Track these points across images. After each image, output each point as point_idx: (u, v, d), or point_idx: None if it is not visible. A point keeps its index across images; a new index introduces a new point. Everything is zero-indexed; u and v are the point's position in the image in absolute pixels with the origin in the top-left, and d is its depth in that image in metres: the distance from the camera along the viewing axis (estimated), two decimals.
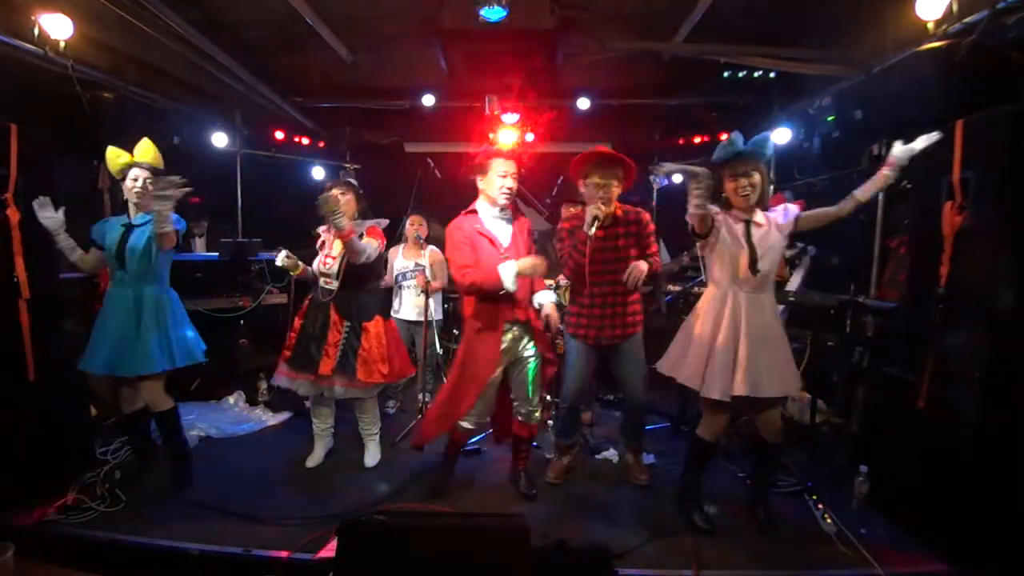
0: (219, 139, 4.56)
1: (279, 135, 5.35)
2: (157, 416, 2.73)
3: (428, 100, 4.84)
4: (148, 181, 2.61)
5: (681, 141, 5.61)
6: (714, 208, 2.33)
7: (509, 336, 2.55)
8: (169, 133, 4.11)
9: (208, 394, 3.87)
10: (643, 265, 2.58)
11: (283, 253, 2.83)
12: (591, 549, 2.07)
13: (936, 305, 2.29)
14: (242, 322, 4.01)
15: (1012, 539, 2.05)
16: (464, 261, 2.45)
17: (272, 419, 3.71)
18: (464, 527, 1.75)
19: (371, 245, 2.77)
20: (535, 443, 3.25)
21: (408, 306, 3.86)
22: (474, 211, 2.55)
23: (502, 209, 2.53)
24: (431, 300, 3.75)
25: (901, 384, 2.49)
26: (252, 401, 3.88)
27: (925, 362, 2.33)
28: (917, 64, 2.70)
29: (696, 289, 3.89)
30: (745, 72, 4.06)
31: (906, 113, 2.79)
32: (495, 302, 2.49)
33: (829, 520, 2.42)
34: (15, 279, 2.47)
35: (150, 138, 2.68)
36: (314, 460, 3.02)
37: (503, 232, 2.54)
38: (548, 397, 3.60)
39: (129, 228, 2.62)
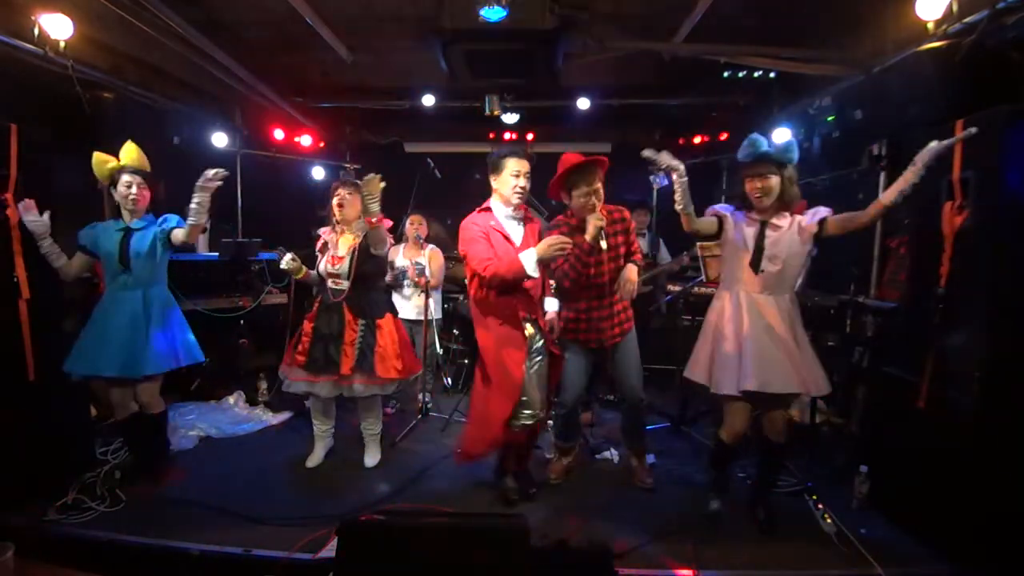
0: (219, 139, 4.56)
1: (279, 135, 5.35)
2: (149, 417, 2.75)
3: (428, 100, 4.84)
4: (141, 186, 2.62)
5: (681, 141, 5.61)
6: (725, 209, 2.41)
7: (527, 332, 2.55)
8: (169, 133, 4.10)
9: (208, 394, 3.87)
10: (632, 273, 2.60)
11: (288, 256, 2.81)
12: (591, 549, 2.07)
13: (936, 305, 2.29)
14: (242, 322, 4.01)
15: (1012, 539, 2.05)
16: (484, 254, 2.42)
17: (272, 419, 3.71)
18: (464, 527, 1.75)
19: (389, 237, 2.84)
20: (535, 444, 3.26)
21: (408, 306, 3.86)
22: (488, 208, 2.55)
23: (515, 209, 2.53)
24: (431, 300, 3.75)
25: (901, 384, 2.49)
26: (252, 401, 3.89)
27: (925, 362, 2.33)
28: (917, 64, 2.70)
29: (696, 289, 3.90)
30: (745, 72, 4.06)
31: (906, 113, 2.78)
32: (513, 298, 2.48)
33: (829, 520, 2.42)
34: (15, 279, 2.48)
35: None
36: (314, 460, 3.03)
37: (516, 231, 2.54)
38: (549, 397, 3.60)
39: (128, 232, 2.63)
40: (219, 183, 2.52)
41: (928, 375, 2.32)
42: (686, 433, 3.57)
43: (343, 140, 6.06)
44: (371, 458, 3.05)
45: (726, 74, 4.13)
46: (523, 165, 2.48)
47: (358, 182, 3.01)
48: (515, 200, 2.49)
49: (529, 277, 2.36)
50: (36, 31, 2.84)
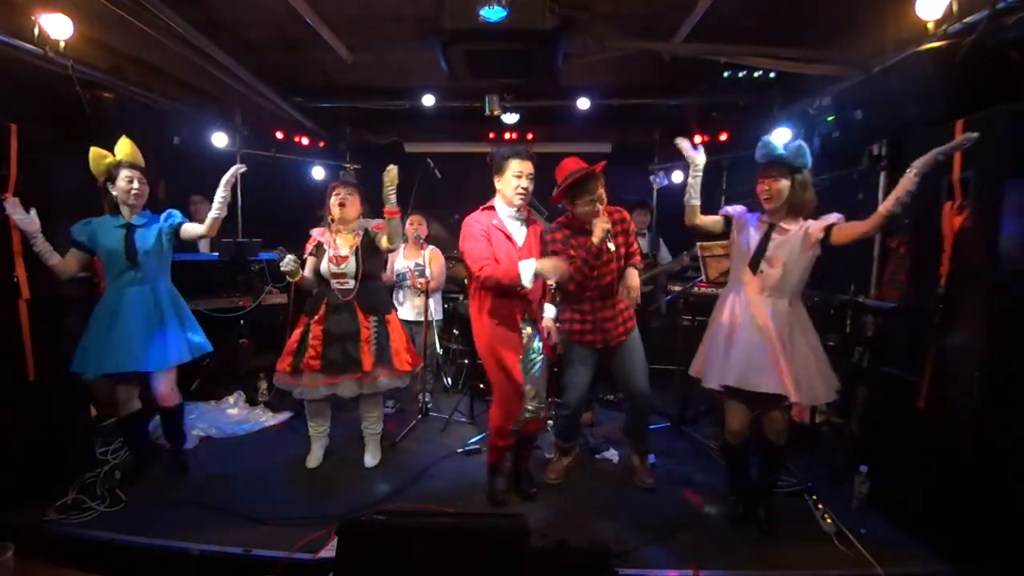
0: (219, 139, 4.56)
1: (279, 135, 5.35)
2: (168, 411, 2.80)
3: (428, 100, 4.84)
4: (142, 181, 2.63)
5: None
6: (739, 208, 2.47)
7: (524, 332, 2.55)
8: (169, 133, 4.11)
9: (208, 394, 3.86)
10: (635, 279, 2.63)
11: (289, 257, 2.76)
12: (591, 549, 2.07)
13: (936, 305, 2.29)
14: (242, 322, 4.01)
15: (1012, 539, 2.05)
16: (481, 254, 2.43)
17: (272, 419, 3.71)
18: (464, 527, 1.75)
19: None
20: (535, 444, 3.26)
21: (408, 306, 3.86)
22: (492, 207, 2.56)
23: (518, 210, 2.53)
24: (431, 300, 3.75)
25: (901, 384, 2.49)
26: (252, 401, 3.89)
27: (925, 362, 2.33)
28: (917, 64, 2.69)
29: (696, 289, 3.90)
30: (745, 72, 4.06)
31: (906, 113, 2.78)
32: (510, 298, 2.48)
33: (829, 520, 2.42)
34: (15, 279, 2.47)
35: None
36: (314, 460, 3.03)
37: (518, 232, 2.55)
38: (549, 398, 3.60)
39: (130, 228, 2.63)
40: (233, 178, 2.62)
41: (928, 375, 2.32)
42: (686, 433, 3.57)
43: (343, 140, 6.07)
44: (371, 458, 3.05)
45: (726, 74, 4.13)
46: (525, 166, 2.48)
47: (356, 183, 3.03)
48: (517, 201, 2.49)
49: (523, 287, 2.36)
50: (36, 31, 2.85)
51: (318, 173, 5.69)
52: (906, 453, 2.45)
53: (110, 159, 2.61)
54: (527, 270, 2.34)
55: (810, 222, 2.29)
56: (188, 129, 4.34)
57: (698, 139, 5.40)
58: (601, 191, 2.54)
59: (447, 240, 4.93)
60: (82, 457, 2.84)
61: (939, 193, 2.29)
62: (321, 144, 5.77)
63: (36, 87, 3.08)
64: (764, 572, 2.16)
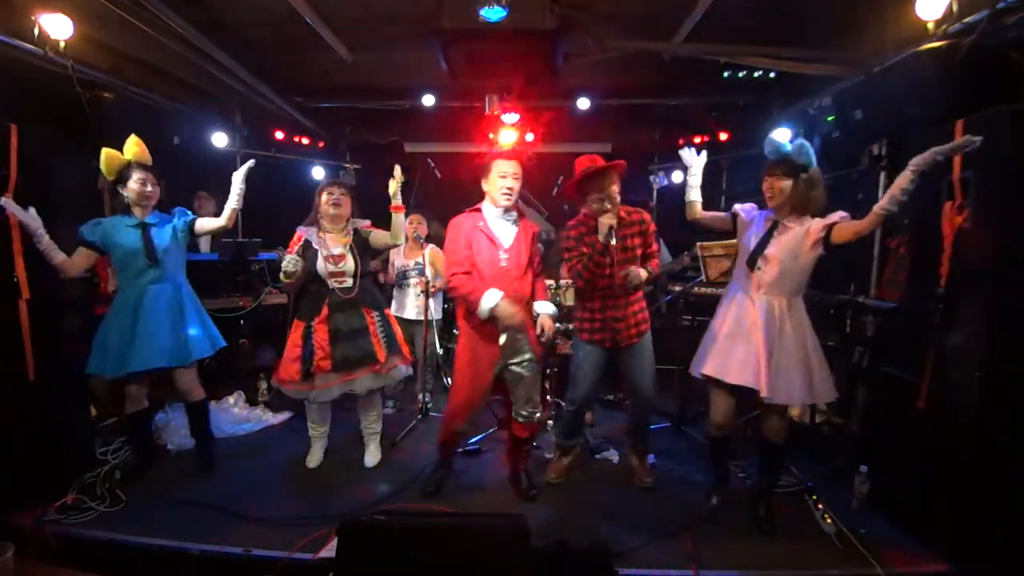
0: (219, 139, 4.56)
1: (279, 135, 5.34)
2: (196, 405, 2.90)
3: (428, 100, 4.84)
4: (153, 182, 2.68)
5: (681, 141, 5.58)
6: (747, 206, 2.52)
7: (505, 337, 2.53)
8: (169, 133, 4.10)
9: (208, 394, 3.83)
10: (642, 272, 2.64)
11: (292, 257, 2.70)
12: (591, 549, 2.07)
13: (936, 305, 2.29)
14: (242, 322, 4.00)
15: (1012, 539, 2.05)
16: (456, 260, 2.48)
17: (272, 419, 3.71)
18: (464, 527, 1.75)
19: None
20: (535, 443, 3.26)
21: (408, 306, 3.86)
22: (479, 209, 2.56)
23: (506, 210, 2.53)
24: (431, 300, 3.75)
25: (901, 384, 2.49)
26: (252, 401, 3.88)
27: (925, 362, 2.33)
28: (917, 64, 2.69)
29: (696, 289, 3.90)
30: (745, 72, 4.06)
31: (906, 113, 2.78)
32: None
33: (829, 520, 2.42)
34: (15, 279, 2.47)
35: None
36: (314, 460, 3.03)
37: (506, 233, 2.54)
38: (548, 397, 3.60)
39: (145, 227, 2.67)
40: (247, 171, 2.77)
41: (928, 375, 2.32)
42: (686, 433, 3.57)
43: (343, 140, 6.06)
44: (371, 458, 3.05)
45: (726, 74, 4.14)
46: (511, 166, 2.48)
47: (346, 182, 3.06)
48: (503, 202, 2.49)
49: (480, 314, 2.40)
50: (36, 31, 2.85)
51: (318, 173, 5.69)
52: (906, 453, 2.45)
53: (122, 160, 2.63)
54: (488, 301, 2.38)
55: (813, 221, 2.29)
56: (188, 129, 4.33)
57: (698, 139, 5.41)
58: (612, 189, 2.55)
59: None
60: (82, 457, 2.83)
61: (939, 193, 2.29)
62: (321, 144, 5.77)
63: (36, 87, 3.08)
64: (764, 572, 2.16)
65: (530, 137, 4.90)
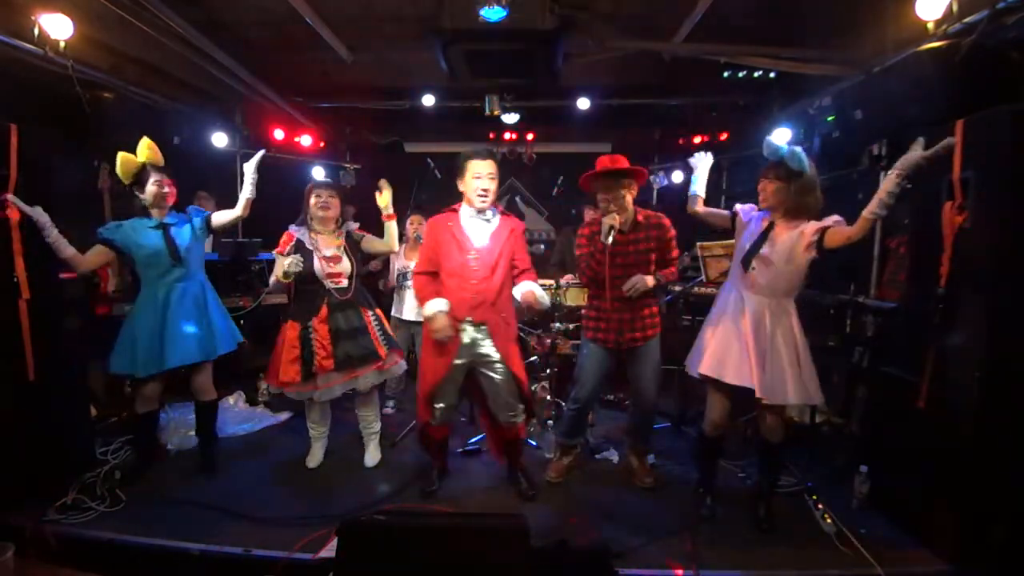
0: (219, 139, 4.56)
1: (279, 135, 5.35)
2: (207, 404, 2.91)
3: (428, 100, 4.84)
4: (169, 183, 2.74)
5: (681, 141, 5.61)
6: (747, 207, 2.53)
7: (466, 336, 2.51)
8: (169, 133, 4.10)
9: None
10: (649, 280, 2.64)
11: (292, 258, 2.71)
12: (591, 549, 2.07)
13: (936, 305, 2.29)
14: (242, 322, 4.00)
15: (1012, 539, 2.05)
16: (423, 258, 2.59)
17: (272, 419, 3.71)
18: (464, 527, 1.75)
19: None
20: (535, 444, 3.26)
21: (408, 306, 3.85)
22: (455, 210, 2.57)
23: (480, 211, 2.51)
24: None
25: (901, 384, 2.49)
26: (252, 401, 3.88)
27: (925, 362, 2.33)
28: (917, 64, 2.69)
29: (696, 289, 3.90)
30: (745, 72, 4.06)
31: (906, 113, 2.78)
32: (458, 295, 2.49)
33: (829, 520, 2.42)
34: (15, 279, 2.47)
35: (150, 138, 2.69)
36: (314, 460, 3.03)
37: (480, 233, 2.52)
38: (548, 397, 3.60)
39: (165, 228, 2.70)
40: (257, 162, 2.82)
41: (928, 375, 2.32)
42: (686, 433, 3.57)
43: (343, 140, 6.06)
44: (371, 458, 3.05)
45: (726, 74, 4.14)
46: (485, 166, 2.46)
47: (332, 183, 3.12)
48: (478, 203, 2.48)
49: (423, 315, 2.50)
50: (36, 31, 2.85)
51: (318, 173, 5.68)
52: (906, 453, 2.44)
53: (137, 163, 2.66)
54: (427, 309, 2.46)
55: (808, 224, 2.29)
56: (188, 129, 4.34)
57: (698, 139, 5.42)
58: (620, 193, 2.58)
59: None
60: (82, 457, 2.83)
61: (939, 193, 2.29)
62: (321, 144, 5.77)
63: (36, 87, 3.08)
64: (764, 572, 2.16)
65: (530, 137, 4.91)
